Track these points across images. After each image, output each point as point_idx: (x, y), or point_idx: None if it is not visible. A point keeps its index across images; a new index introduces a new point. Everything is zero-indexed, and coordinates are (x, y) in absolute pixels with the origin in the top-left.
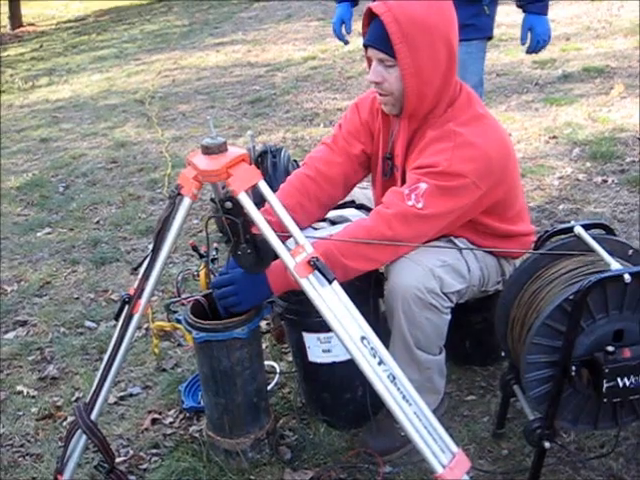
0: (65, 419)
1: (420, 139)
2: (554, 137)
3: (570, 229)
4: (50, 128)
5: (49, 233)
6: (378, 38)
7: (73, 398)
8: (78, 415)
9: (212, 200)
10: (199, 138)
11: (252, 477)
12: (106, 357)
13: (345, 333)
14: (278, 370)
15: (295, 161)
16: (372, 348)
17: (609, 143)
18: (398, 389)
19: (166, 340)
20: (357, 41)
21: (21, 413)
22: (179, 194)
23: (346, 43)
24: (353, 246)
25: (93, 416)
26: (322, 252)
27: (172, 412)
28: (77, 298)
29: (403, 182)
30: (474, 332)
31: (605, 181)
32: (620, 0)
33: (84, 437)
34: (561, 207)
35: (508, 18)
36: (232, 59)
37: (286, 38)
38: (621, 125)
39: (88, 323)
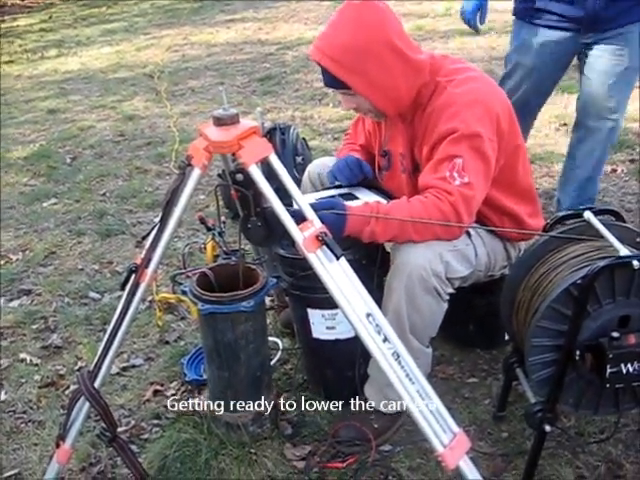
0: (67, 387)
1: (423, 121)
2: (564, 125)
3: (580, 214)
4: (58, 99)
5: (55, 204)
6: (329, 80)
7: (76, 367)
8: (82, 382)
9: (219, 175)
10: (207, 114)
11: (252, 450)
12: (111, 325)
13: (351, 309)
14: (281, 346)
15: (304, 139)
16: (377, 325)
17: (620, 132)
18: (402, 367)
19: (169, 313)
20: None
21: (24, 380)
22: (189, 165)
23: (478, 32)
24: (425, 225)
25: (97, 384)
26: (399, 223)
27: (174, 384)
28: (82, 269)
29: (414, 172)
30: (478, 315)
31: (614, 170)
32: None
33: (87, 404)
34: None
35: None
36: (243, 36)
37: (298, 17)
38: (632, 115)
39: (92, 294)
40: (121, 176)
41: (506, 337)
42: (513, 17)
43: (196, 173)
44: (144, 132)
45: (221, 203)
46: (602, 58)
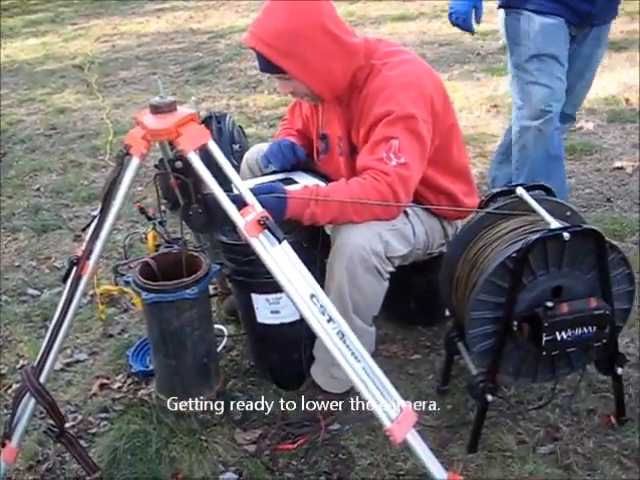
0: (10, 387)
1: (359, 104)
2: (495, 106)
3: (512, 191)
4: None
5: None
6: (265, 65)
7: (17, 366)
8: (26, 378)
9: (156, 166)
10: (141, 104)
11: (203, 437)
12: (54, 319)
13: (295, 291)
14: (226, 333)
15: (240, 127)
16: (321, 306)
17: None
18: (347, 346)
19: (112, 306)
20: None
21: None
22: (127, 154)
23: (473, 33)
24: (364, 205)
25: (42, 379)
26: (339, 204)
27: (120, 377)
28: (18, 266)
29: (351, 154)
30: (418, 293)
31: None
32: None
33: (33, 401)
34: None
35: None
36: (173, 25)
37: (229, 5)
38: None
39: (31, 290)
40: (55, 170)
41: (446, 313)
42: (503, 9)
43: (135, 162)
44: (76, 125)
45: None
46: (589, 53)
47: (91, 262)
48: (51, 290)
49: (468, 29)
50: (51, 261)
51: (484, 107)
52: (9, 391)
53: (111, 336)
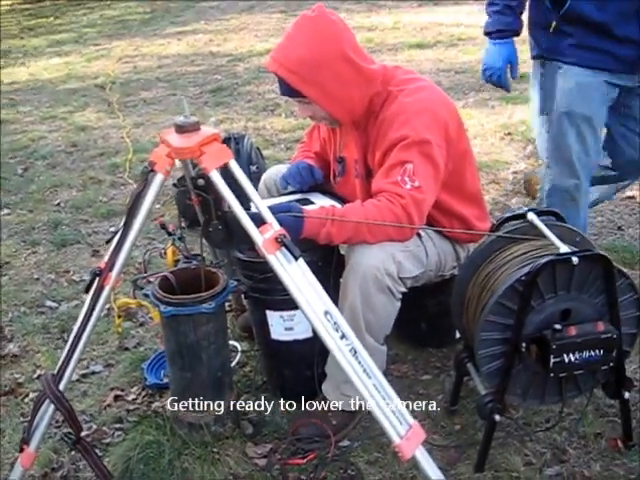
0: (27, 395)
1: (375, 129)
2: (509, 134)
3: (523, 215)
4: (7, 110)
5: (8, 214)
6: (286, 90)
7: (34, 375)
8: (46, 385)
9: (174, 185)
10: (160, 124)
11: (215, 449)
12: (75, 328)
13: (309, 308)
14: (239, 349)
15: (258, 149)
16: (335, 323)
17: None
18: (359, 362)
19: (128, 320)
20: None
21: None
22: (152, 170)
23: (509, 90)
24: (379, 226)
25: (61, 386)
26: (354, 225)
27: (135, 389)
28: (37, 279)
29: (367, 177)
30: (430, 315)
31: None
32: None
33: (52, 407)
34: (514, 200)
35: (468, 18)
36: (194, 48)
37: (248, 29)
38: None
39: (49, 303)
40: (75, 186)
41: (457, 335)
42: (537, 60)
43: (159, 178)
44: (97, 143)
45: (176, 212)
46: None
47: (113, 274)
48: (69, 303)
49: (503, 86)
50: (69, 274)
51: (498, 135)
52: (26, 400)
53: (127, 349)
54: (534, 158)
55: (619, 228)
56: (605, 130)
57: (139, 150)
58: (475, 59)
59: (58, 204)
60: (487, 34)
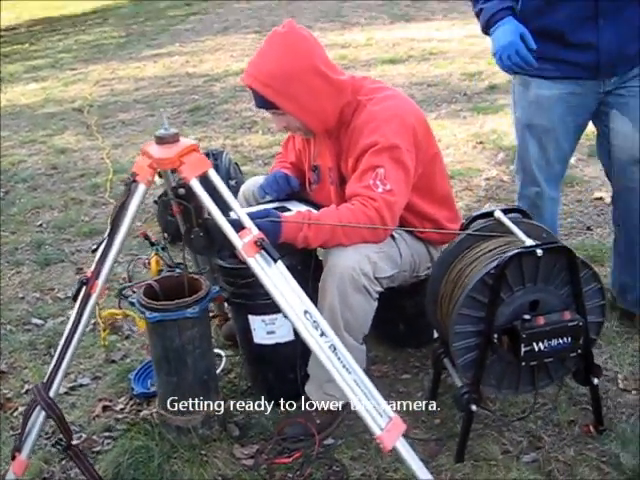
0: (16, 409)
1: (347, 137)
2: (481, 143)
3: (491, 213)
4: None
5: None
6: (260, 102)
7: (23, 390)
8: (37, 392)
9: (155, 202)
10: (139, 145)
11: (203, 452)
12: (64, 335)
13: (290, 308)
14: (224, 355)
15: (236, 164)
16: (314, 321)
17: None
18: (339, 358)
19: (114, 334)
20: None
21: None
22: (134, 181)
23: (534, 65)
24: (353, 229)
25: (51, 394)
26: (330, 228)
27: (122, 399)
28: (22, 297)
29: (341, 184)
30: (407, 316)
31: None
32: None
33: (42, 414)
34: (487, 206)
35: (438, 33)
36: (170, 70)
37: (223, 50)
38: None
39: (35, 320)
40: (57, 207)
41: (434, 335)
42: (513, 75)
43: (141, 188)
44: (77, 164)
45: (158, 230)
46: (628, 105)
47: (100, 282)
48: (55, 319)
49: (527, 62)
50: (54, 292)
51: (470, 144)
52: (15, 414)
53: (113, 362)
54: (505, 165)
55: (588, 228)
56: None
57: (119, 170)
58: (447, 72)
59: (40, 225)
60: (485, 31)
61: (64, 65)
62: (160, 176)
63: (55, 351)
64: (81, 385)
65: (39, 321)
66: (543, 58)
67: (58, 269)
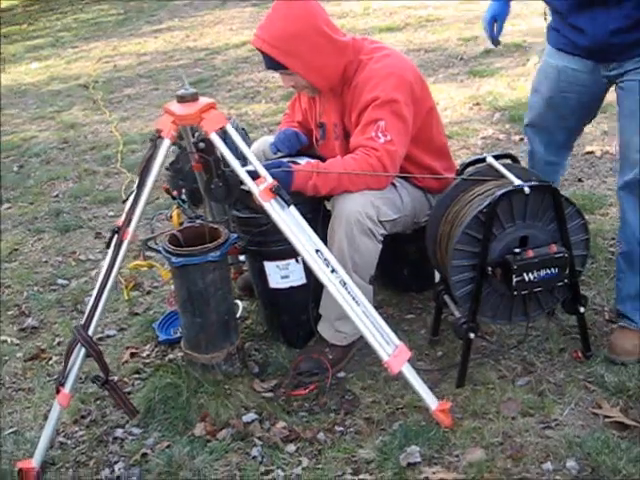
0: (50, 359)
1: (350, 93)
2: (477, 104)
3: (483, 159)
4: None
5: (9, 208)
6: (269, 63)
7: (55, 342)
8: (77, 332)
9: (167, 169)
10: (146, 118)
11: (226, 386)
12: (100, 279)
13: (303, 247)
14: (240, 305)
15: (244, 129)
16: (325, 259)
17: (525, 108)
18: (348, 292)
19: (135, 290)
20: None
21: (7, 358)
22: (159, 137)
23: (497, 44)
24: (358, 176)
25: (90, 333)
26: (336, 176)
27: (148, 347)
28: (46, 261)
29: (346, 138)
30: (411, 261)
31: (522, 139)
32: None
33: (83, 351)
34: None
35: (434, 1)
36: (171, 44)
37: (223, 23)
38: None
39: (60, 281)
40: (71, 179)
41: (436, 279)
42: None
43: (166, 143)
44: (87, 138)
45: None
46: (628, 98)
47: (130, 229)
48: (79, 279)
49: (489, 38)
50: (76, 255)
51: (467, 105)
52: (50, 362)
53: (137, 314)
54: (501, 124)
55: (579, 180)
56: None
57: (129, 142)
58: (443, 38)
59: (56, 195)
60: None
61: (65, 44)
62: (180, 138)
63: (82, 309)
64: (108, 336)
65: (64, 281)
66: (554, 28)
67: (77, 235)
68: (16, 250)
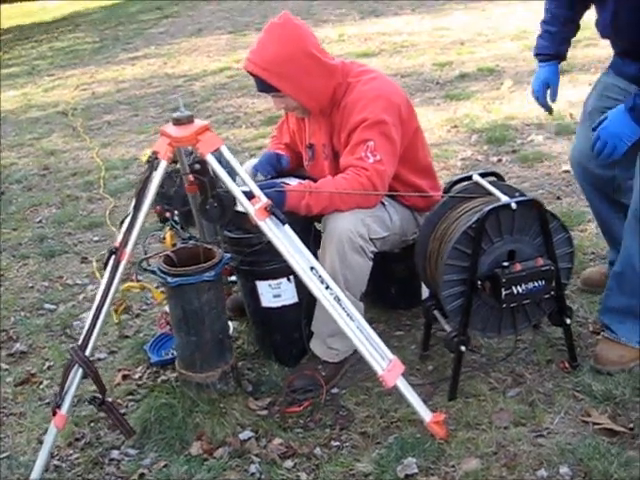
0: (41, 383)
1: (339, 115)
2: (455, 127)
3: (470, 177)
4: None
5: None
6: (261, 85)
7: (45, 367)
8: (74, 353)
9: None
10: (127, 144)
11: (222, 405)
12: (97, 300)
13: (298, 264)
14: (231, 325)
15: None
16: (320, 276)
17: (502, 129)
18: (343, 308)
19: (124, 313)
20: None
21: None
22: (156, 158)
23: (550, 112)
24: (348, 196)
25: (87, 353)
26: (328, 196)
27: (140, 368)
28: (32, 287)
29: (335, 158)
30: (399, 279)
31: (500, 160)
32: (507, 8)
33: (80, 371)
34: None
35: (408, 27)
36: (149, 71)
37: (199, 51)
38: (511, 114)
39: (47, 305)
40: (54, 204)
41: (423, 296)
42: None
43: (163, 164)
44: (68, 164)
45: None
46: None
47: (127, 249)
48: (66, 304)
49: (544, 107)
50: (63, 279)
51: (445, 128)
52: (41, 386)
53: (127, 337)
54: (479, 145)
55: (557, 198)
56: None
57: (110, 168)
58: (418, 63)
59: (40, 221)
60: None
61: (41, 72)
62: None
63: (71, 333)
64: (99, 359)
65: (51, 306)
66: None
67: (63, 259)
68: (1, 276)
